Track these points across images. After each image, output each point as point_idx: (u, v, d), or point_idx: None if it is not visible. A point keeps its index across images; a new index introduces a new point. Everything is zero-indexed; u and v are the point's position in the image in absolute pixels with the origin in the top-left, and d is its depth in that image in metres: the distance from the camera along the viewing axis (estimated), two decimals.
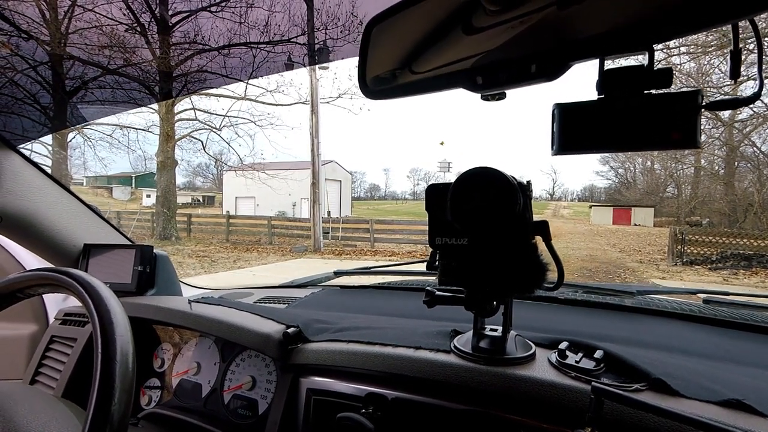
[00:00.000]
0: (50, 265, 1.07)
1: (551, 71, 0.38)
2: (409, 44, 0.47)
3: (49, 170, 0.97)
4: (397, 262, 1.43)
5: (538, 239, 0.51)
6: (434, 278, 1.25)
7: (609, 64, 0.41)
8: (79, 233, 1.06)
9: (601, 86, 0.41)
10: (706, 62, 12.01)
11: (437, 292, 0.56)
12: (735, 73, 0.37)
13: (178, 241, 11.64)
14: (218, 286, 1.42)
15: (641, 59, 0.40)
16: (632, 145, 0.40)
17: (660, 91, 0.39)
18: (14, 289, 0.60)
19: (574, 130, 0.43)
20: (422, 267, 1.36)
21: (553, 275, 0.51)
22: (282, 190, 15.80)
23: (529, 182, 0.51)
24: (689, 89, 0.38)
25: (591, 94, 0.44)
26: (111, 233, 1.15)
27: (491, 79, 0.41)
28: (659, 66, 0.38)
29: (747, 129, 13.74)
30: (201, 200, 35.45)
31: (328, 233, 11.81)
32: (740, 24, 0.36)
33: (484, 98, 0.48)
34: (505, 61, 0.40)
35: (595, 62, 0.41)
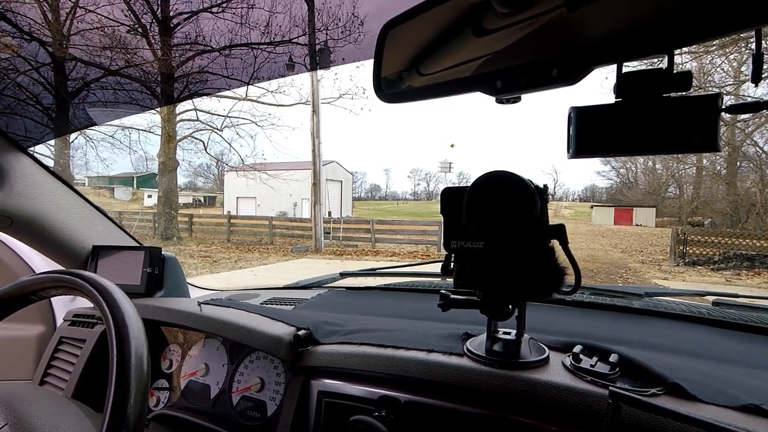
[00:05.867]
0: (59, 267, 1.07)
1: (572, 75, 0.38)
2: (426, 48, 0.47)
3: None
4: (403, 264, 1.43)
5: (555, 243, 0.51)
6: (439, 279, 1.26)
7: (626, 67, 0.41)
8: (87, 235, 1.06)
9: (618, 89, 0.41)
10: (707, 62, 11.96)
11: (452, 296, 0.56)
12: (756, 77, 0.37)
13: (180, 241, 11.65)
14: (223, 287, 1.42)
15: (659, 62, 0.40)
16: (651, 148, 0.40)
17: (679, 94, 0.39)
18: (28, 291, 0.61)
19: (590, 133, 0.43)
20: (427, 268, 1.36)
21: (570, 279, 0.51)
22: (283, 191, 15.81)
23: (545, 186, 0.51)
24: (709, 92, 0.38)
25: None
26: (119, 235, 1.15)
27: (511, 83, 0.41)
28: (678, 69, 0.38)
29: (749, 129, 13.71)
30: (202, 200, 35.51)
31: (329, 233, 11.81)
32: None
33: (499, 101, 0.48)
34: (525, 65, 0.40)
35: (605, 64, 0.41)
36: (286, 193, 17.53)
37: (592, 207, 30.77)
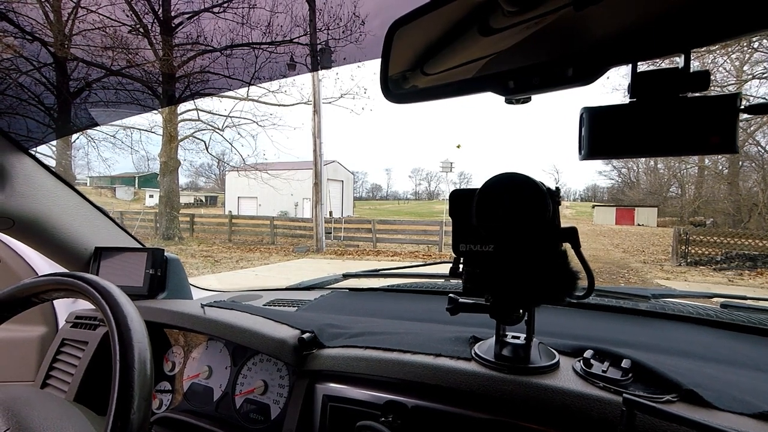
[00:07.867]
0: (61, 268, 1.07)
1: (587, 75, 0.37)
2: (434, 47, 0.46)
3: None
4: (405, 264, 1.42)
5: (567, 246, 0.50)
6: (443, 280, 1.25)
7: (641, 67, 0.40)
8: (90, 236, 1.06)
9: (633, 89, 0.40)
10: (709, 61, 11.88)
11: (460, 299, 0.55)
12: None
13: (181, 241, 11.67)
14: (224, 287, 1.42)
15: (676, 61, 0.39)
16: (667, 149, 0.39)
17: (696, 94, 0.38)
18: (30, 293, 0.60)
19: (604, 134, 0.42)
20: (431, 269, 1.35)
21: (582, 283, 0.50)
22: (284, 191, 15.80)
23: (557, 188, 0.50)
24: (728, 92, 0.37)
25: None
26: (121, 236, 1.15)
27: (524, 83, 0.40)
28: (695, 68, 0.37)
29: (751, 128, 13.64)
30: (203, 200, 35.53)
31: (330, 233, 11.80)
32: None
33: (509, 101, 0.47)
34: (539, 65, 0.39)
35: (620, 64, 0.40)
36: (288, 192, 17.53)
37: (593, 207, 30.68)
